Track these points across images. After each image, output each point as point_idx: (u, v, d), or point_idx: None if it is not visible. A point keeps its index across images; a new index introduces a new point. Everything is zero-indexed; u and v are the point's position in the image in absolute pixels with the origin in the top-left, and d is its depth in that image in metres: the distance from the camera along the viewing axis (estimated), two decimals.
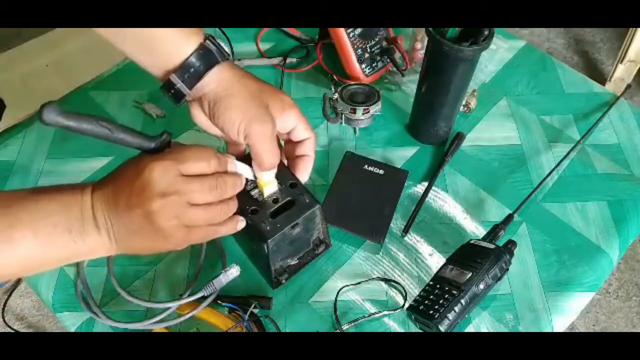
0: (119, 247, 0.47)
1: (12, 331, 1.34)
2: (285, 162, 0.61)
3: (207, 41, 0.51)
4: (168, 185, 0.45)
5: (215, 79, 0.51)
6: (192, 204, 0.47)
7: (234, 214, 0.53)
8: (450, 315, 0.58)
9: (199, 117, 0.54)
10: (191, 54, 0.50)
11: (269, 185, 0.58)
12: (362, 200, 0.70)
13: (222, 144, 0.77)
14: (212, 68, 0.51)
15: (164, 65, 0.51)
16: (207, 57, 0.51)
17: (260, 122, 0.51)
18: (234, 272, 0.60)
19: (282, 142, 0.60)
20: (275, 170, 0.56)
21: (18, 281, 1.40)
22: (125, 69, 0.87)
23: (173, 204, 0.45)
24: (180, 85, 0.51)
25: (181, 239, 0.48)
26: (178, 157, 0.47)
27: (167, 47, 0.50)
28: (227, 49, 0.53)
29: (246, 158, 0.56)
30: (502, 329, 0.62)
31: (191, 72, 0.50)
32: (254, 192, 0.60)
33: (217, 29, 0.92)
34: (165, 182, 0.45)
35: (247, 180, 0.60)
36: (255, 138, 0.51)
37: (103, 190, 0.46)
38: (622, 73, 1.74)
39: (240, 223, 0.54)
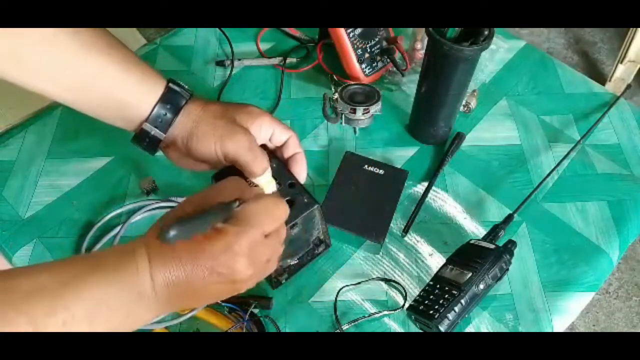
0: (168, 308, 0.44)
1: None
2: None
3: (170, 84, 0.52)
4: (254, 257, 0.43)
5: (184, 118, 0.52)
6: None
7: None
8: (450, 315, 0.58)
9: (179, 159, 0.55)
10: (158, 101, 0.51)
11: (268, 186, 0.58)
12: (362, 200, 0.70)
13: None
14: (180, 110, 0.52)
15: (134, 117, 0.51)
16: (175, 100, 0.52)
17: (231, 136, 0.51)
18: None
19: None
20: (269, 172, 0.56)
21: None
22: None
23: (258, 271, 0.44)
24: (155, 131, 0.51)
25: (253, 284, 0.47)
26: (254, 223, 0.43)
27: (134, 99, 0.51)
28: (186, 88, 0.54)
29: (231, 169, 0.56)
30: (502, 329, 0.62)
31: (163, 117, 0.51)
32: None
33: (217, 29, 0.92)
34: (252, 253, 0.43)
35: (247, 180, 0.60)
36: (233, 153, 0.51)
37: (169, 275, 0.41)
38: (622, 73, 1.74)
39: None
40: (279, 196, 0.54)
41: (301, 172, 0.59)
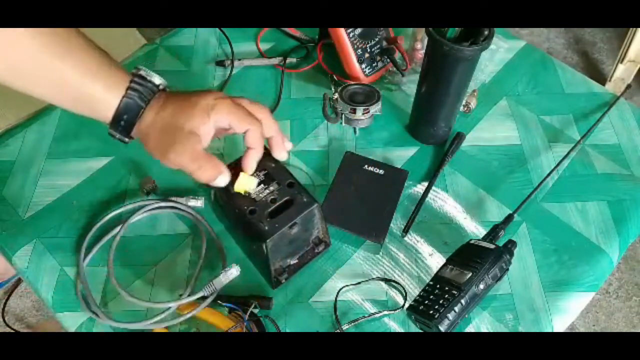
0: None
1: (12, 331, 1.34)
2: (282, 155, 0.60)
3: (132, 83, 0.51)
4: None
5: (142, 122, 0.53)
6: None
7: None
8: (450, 315, 0.58)
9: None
10: (119, 105, 0.51)
11: (245, 185, 0.58)
12: (362, 200, 0.70)
13: (223, 144, 0.77)
14: (140, 114, 0.52)
15: (103, 118, 0.52)
16: (132, 106, 0.51)
17: (172, 149, 0.51)
18: (234, 272, 0.60)
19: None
20: (226, 175, 0.55)
21: (18, 281, 1.40)
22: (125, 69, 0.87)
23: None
24: (119, 136, 0.53)
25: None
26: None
27: (99, 103, 0.51)
28: (157, 80, 0.53)
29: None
30: (502, 329, 0.62)
31: (124, 122, 0.52)
32: (252, 192, 0.60)
33: (217, 29, 0.92)
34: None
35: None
36: (178, 166, 0.52)
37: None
38: (622, 73, 1.73)
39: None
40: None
41: (278, 153, 0.58)
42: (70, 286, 0.65)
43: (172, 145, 0.51)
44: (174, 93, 0.55)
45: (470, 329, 0.63)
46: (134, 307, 0.63)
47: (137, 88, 0.51)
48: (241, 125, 0.54)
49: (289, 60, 0.87)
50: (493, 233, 0.67)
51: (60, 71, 0.49)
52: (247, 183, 0.58)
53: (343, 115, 0.75)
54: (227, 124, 0.53)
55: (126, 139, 0.53)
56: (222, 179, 0.55)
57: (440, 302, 0.59)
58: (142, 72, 0.52)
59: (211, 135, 0.53)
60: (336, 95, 0.74)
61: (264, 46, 0.90)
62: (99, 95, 0.51)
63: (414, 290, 0.65)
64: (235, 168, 0.58)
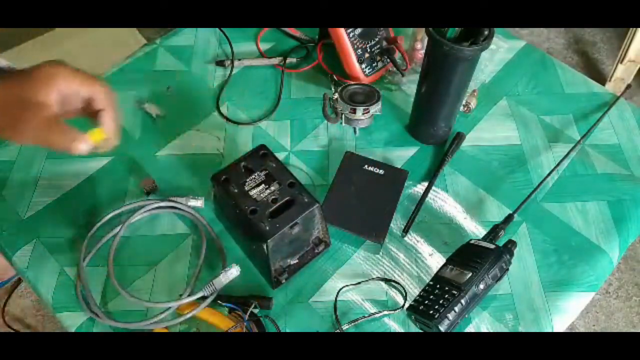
0: None
1: (12, 331, 1.34)
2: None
3: None
4: None
5: None
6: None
7: None
8: (450, 315, 0.58)
9: None
10: None
11: (98, 135, 0.54)
12: (362, 200, 0.70)
13: (223, 144, 0.77)
14: None
15: None
16: None
17: (23, 124, 0.50)
18: (234, 272, 0.60)
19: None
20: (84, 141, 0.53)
21: (18, 281, 1.40)
22: (125, 69, 0.87)
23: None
24: None
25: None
26: None
27: None
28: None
29: None
30: (502, 329, 0.62)
31: None
32: (253, 192, 0.60)
33: (217, 29, 0.92)
34: None
35: (245, 181, 0.61)
36: (34, 140, 0.51)
37: None
38: (622, 73, 1.73)
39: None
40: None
41: (109, 125, 0.55)
42: (70, 286, 0.65)
43: (22, 120, 0.50)
44: (15, 71, 0.53)
45: (470, 329, 0.63)
46: (134, 307, 0.63)
47: None
48: (85, 88, 0.53)
49: (289, 60, 0.87)
50: (493, 233, 0.67)
51: None
52: (99, 134, 0.54)
53: (343, 115, 0.75)
54: (71, 89, 0.53)
55: None
56: (81, 146, 0.53)
57: (440, 302, 0.59)
58: None
59: (57, 104, 0.52)
60: (336, 95, 0.74)
61: (264, 46, 0.90)
62: None
63: (414, 290, 0.65)
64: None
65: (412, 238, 0.69)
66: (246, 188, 0.61)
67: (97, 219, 0.69)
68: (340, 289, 0.64)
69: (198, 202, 0.70)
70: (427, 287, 0.63)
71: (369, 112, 0.74)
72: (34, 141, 0.51)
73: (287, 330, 0.62)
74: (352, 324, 0.62)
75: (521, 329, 0.62)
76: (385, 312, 0.63)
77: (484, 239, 0.66)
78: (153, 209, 0.69)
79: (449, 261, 0.65)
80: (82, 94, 0.53)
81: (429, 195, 0.72)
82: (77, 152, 0.52)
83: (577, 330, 1.40)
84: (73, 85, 0.52)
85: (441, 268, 0.64)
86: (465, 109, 0.81)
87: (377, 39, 0.82)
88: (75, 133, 0.52)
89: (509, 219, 0.68)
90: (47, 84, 0.51)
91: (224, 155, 0.77)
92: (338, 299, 0.64)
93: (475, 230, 0.70)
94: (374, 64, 0.83)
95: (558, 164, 0.74)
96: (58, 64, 0.52)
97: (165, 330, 0.60)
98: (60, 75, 0.52)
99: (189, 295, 0.61)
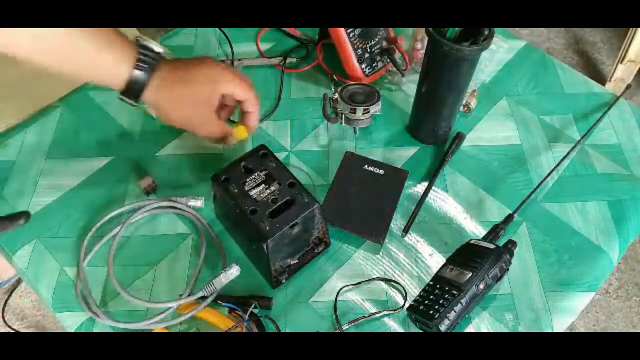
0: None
1: (12, 331, 1.34)
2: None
3: (140, 55, 0.56)
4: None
5: (153, 88, 0.58)
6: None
7: None
8: (450, 315, 0.58)
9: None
10: (130, 75, 0.56)
11: (242, 133, 0.66)
12: (362, 200, 0.70)
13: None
14: (148, 83, 0.57)
15: (111, 86, 0.58)
16: (141, 76, 0.57)
17: (197, 120, 0.62)
18: (234, 272, 0.60)
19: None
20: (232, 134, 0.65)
21: (18, 281, 1.40)
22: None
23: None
24: (129, 101, 0.58)
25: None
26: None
27: (111, 70, 0.56)
28: (157, 48, 0.58)
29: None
30: (502, 329, 0.62)
31: (134, 90, 0.57)
32: (253, 192, 0.60)
33: (217, 29, 0.92)
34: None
35: (245, 181, 0.61)
36: (206, 133, 0.64)
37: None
38: (622, 73, 1.73)
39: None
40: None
41: (254, 123, 0.66)
42: (70, 286, 0.65)
43: (195, 116, 0.61)
44: (175, 62, 0.60)
45: (470, 329, 0.63)
46: (134, 307, 0.63)
47: (144, 59, 0.56)
48: (243, 95, 0.62)
49: (289, 60, 0.87)
50: (493, 233, 0.67)
51: (75, 44, 0.53)
52: (243, 132, 0.66)
53: (343, 115, 0.75)
54: (231, 92, 0.61)
55: (135, 104, 0.59)
56: (230, 140, 0.65)
57: (440, 302, 0.59)
58: (144, 42, 0.57)
59: (218, 102, 0.61)
60: (336, 95, 0.74)
61: (264, 46, 0.90)
62: (109, 65, 0.56)
63: (414, 290, 0.65)
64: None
65: (412, 238, 0.69)
66: (246, 188, 0.61)
67: (97, 219, 0.69)
68: (340, 289, 0.64)
69: (198, 202, 0.70)
70: (427, 287, 0.63)
71: (369, 112, 0.74)
72: (207, 134, 0.64)
73: (287, 330, 0.62)
74: (352, 324, 0.62)
75: (521, 329, 0.62)
76: (385, 312, 0.63)
77: (484, 239, 0.66)
78: (153, 209, 0.69)
79: (449, 261, 0.65)
80: (237, 97, 0.62)
81: (429, 195, 0.72)
82: (228, 145, 0.66)
83: (577, 330, 1.40)
84: (234, 89, 0.61)
85: (441, 268, 0.64)
86: (465, 109, 0.81)
87: (377, 39, 0.82)
88: (228, 128, 0.64)
89: (509, 219, 0.68)
90: (214, 82, 0.60)
91: (224, 155, 0.77)
92: (338, 299, 0.64)
93: (475, 230, 0.70)
94: (374, 64, 0.83)
95: (558, 164, 0.74)
96: (224, 68, 0.61)
97: (165, 330, 0.60)
98: (224, 78, 0.60)
99: (189, 295, 0.61)
